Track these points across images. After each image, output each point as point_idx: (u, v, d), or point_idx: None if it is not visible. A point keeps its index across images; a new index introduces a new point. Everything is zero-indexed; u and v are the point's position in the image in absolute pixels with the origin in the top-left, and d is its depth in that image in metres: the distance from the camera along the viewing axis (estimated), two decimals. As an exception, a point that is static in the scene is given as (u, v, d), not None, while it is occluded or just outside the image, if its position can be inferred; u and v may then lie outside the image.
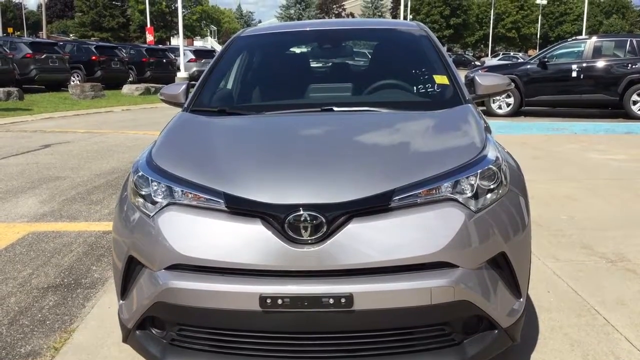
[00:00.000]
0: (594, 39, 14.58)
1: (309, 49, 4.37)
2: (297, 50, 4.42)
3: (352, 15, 72.13)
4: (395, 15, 69.47)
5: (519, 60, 27.29)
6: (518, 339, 2.40)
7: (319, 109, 3.16)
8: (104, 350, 3.00)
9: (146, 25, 40.34)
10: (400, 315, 2.14)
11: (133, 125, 12.66)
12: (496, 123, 12.00)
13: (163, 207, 2.35)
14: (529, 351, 2.91)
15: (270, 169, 2.41)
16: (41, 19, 59.71)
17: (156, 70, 27.21)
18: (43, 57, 21.61)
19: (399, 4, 42.32)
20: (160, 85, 17.09)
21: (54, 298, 3.67)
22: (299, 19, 66.18)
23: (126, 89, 21.91)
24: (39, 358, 2.94)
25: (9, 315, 3.43)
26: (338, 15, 74.35)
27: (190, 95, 3.48)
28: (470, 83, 3.56)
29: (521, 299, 2.40)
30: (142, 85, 22.13)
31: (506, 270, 2.34)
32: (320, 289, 2.11)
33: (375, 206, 2.19)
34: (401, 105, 3.24)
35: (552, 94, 14.17)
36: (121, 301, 2.49)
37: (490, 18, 71.13)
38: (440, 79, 3.41)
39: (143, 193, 2.44)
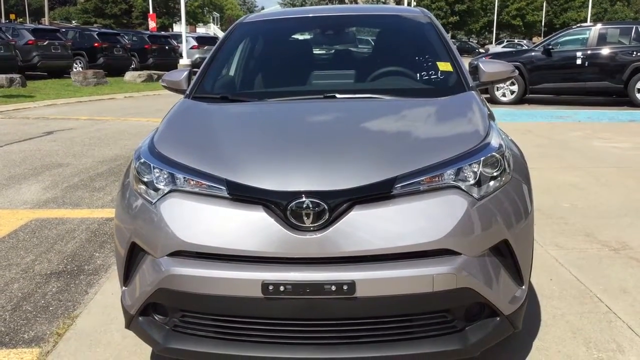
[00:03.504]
0: (599, 26, 14.47)
1: (312, 36, 4.34)
2: (300, 36, 4.38)
3: (355, 1, 71.69)
4: (399, 2, 69.04)
5: (524, 48, 27.13)
6: (520, 327, 2.41)
7: (322, 96, 3.14)
8: (107, 336, 3.01)
9: (149, 12, 40.17)
10: (402, 302, 2.14)
11: (135, 112, 12.64)
12: (500, 110, 11.95)
13: (165, 194, 2.34)
14: (531, 339, 2.92)
15: (272, 156, 2.41)
16: (43, 6, 59.47)
17: (159, 57, 27.11)
18: (45, 43, 21.56)
19: (403, -9, 42.02)
20: (163, 72, 16.92)
21: (57, 284, 3.68)
22: (302, 6, 65.80)
23: (129, 76, 21.84)
24: (42, 344, 2.96)
25: (12, 301, 3.45)
26: (342, 2, 73.90)
27: (193, 81, 3.46)
28: (474, 70, 3.54)
29: (523, 287, 2.40)
30: (145, 73, 22.06)
31: (508, 258, 2.33)
32: (323, 276, 2.11)
33: (377, 193, 2.18)
34: (404, 93, 3.23)
35: (556, 82, 14.10)
36: (124, 287, 2.49)
37: (494, 5, 70.60)
38: (444, 66, 3.39)
39: (145, 180, 2.44)
